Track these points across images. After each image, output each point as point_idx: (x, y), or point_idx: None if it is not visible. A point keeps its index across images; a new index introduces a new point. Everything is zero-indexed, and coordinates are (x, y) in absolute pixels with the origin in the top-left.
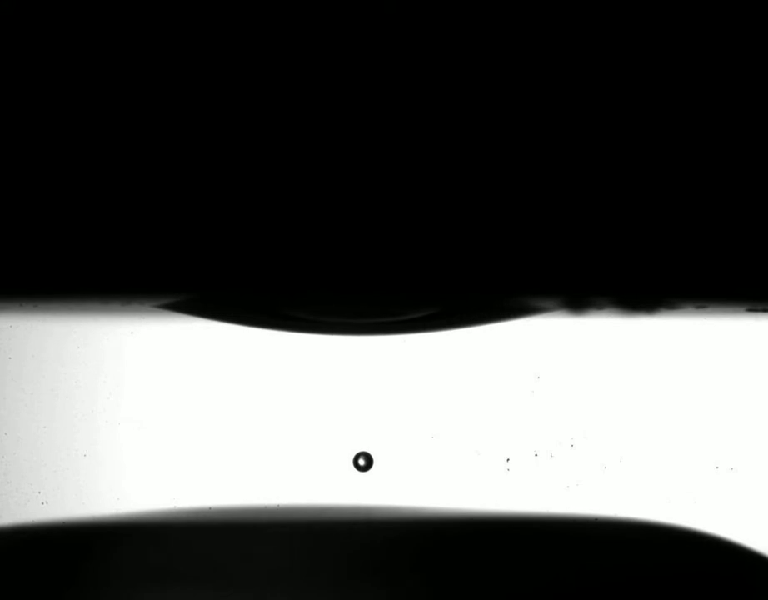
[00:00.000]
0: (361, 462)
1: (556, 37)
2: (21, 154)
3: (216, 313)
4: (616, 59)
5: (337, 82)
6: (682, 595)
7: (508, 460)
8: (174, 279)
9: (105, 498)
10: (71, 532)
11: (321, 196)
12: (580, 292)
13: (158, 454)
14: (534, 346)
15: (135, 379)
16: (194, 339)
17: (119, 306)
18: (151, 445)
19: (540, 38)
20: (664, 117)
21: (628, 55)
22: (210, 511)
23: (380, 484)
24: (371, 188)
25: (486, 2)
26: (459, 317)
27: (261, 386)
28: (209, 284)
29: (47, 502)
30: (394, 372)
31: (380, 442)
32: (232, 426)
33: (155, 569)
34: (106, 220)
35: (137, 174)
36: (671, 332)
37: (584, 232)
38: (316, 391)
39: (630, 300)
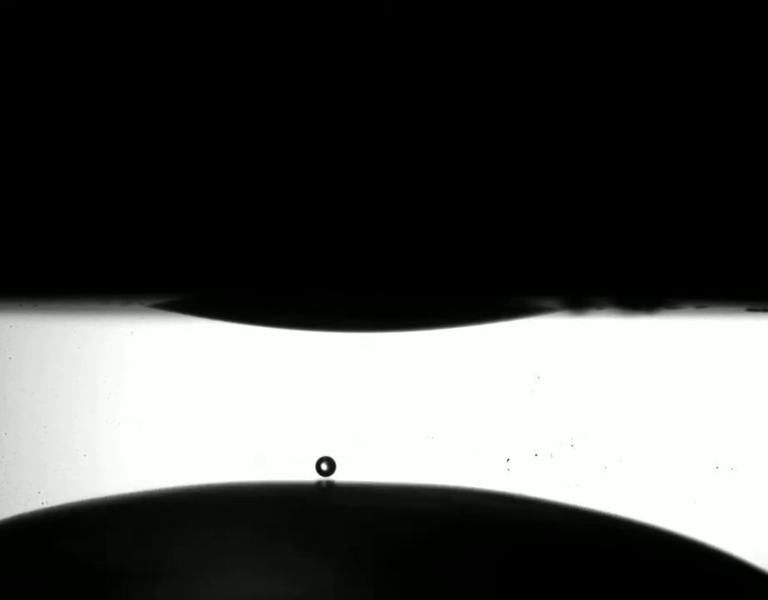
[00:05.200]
0: (324, 466)
1: (556, 37)
2: (21, 154)
3: (215, 313)
4: (616, 60)
5: (336, 83)
6: (680, 595)
7: (508, 460)
8: (174, 279)
9: (105, 498)
10: (71, 532)
11: (321, 196)
12: (581, 292)
13: (158, 454)
14: (534, 346)
15: (135, 379)
16: (194, 339)
17: (119, 306)
18: (150, 445)
19: (540, 39)
20: (664, 119)
21: (628, 55)
22: (210, 506)
23: (380, 483)
24: (373, 189)
25: (487, 2)
26: (460, 316)
27: (261, 385)
28: (209, 284)
29: (46, 502)
30: (394, 371)
31: (380, 441)
32: (232, 425)
33: (155, 567)
34: (105, 220)
35: (136, 175)
36: (671, 332)
37: (584, 232)
38: (316, 390)
39: (630, 300)
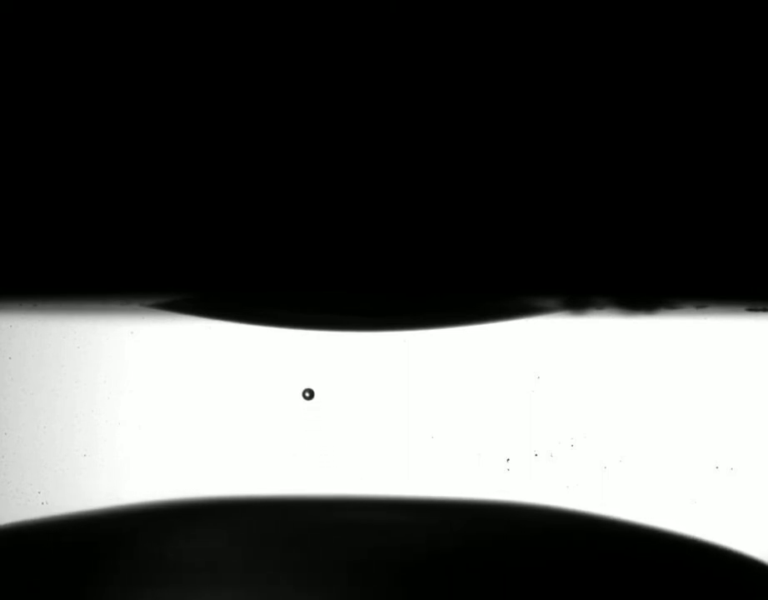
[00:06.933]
0: (307, 394)
1: (556, 37)
2: (21, 154)
3: (215, 313)
4: (616, 59)
5: (336, 83)
6: (680, 595)
7: (508, 460)
8: (174, 279)
9: (104, 498)
10: (71, 533)
11: (321, 197)
12: (580, 292)
13: (157, 454)
14: (534, 346)
15: (135, 379)
16: (194, 339)
17: (119, 305)
18: (150, 445)
19: (540, 38)
20: (663, 118)
21: (628, 55)
22: (210, 507)
23: (380, 483)
24: (372, 189)
25: (487, 2)
26: (459, 315)
27: (261, 385)
28: (209, 284)
29: (47, 502)
30: (394, 371)
31: (379, 442)
32: (231, 425)
33: (155, 567)
34: (105, 220)
35: (136, 175)
36: (671, 332)
37: (584, 232)
38: (316, 390)
39: (630, 300)
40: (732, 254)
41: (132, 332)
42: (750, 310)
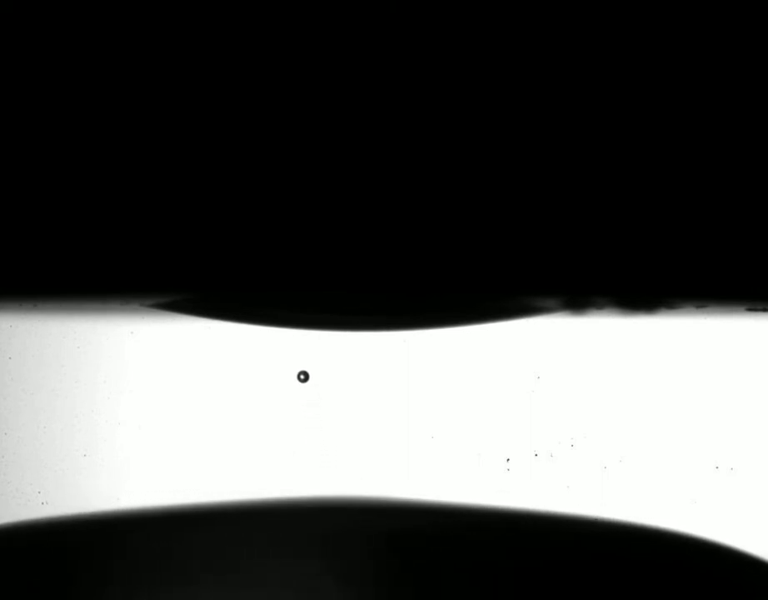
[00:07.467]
0: (302, 376)
1: (556, 37)
2: (21, 154)
3: (215, 313)
4: (616, 59)
5: (336, 83)
6: (680, 596)
7: (508, 460)
8: (174, 279)
9: (104, 498)
10: (71, 532)
11: (321, 197)
12: (581, 292)
13: (157, 454)
14: (534, 346)
15: (135, 379)
16: (194, 339)
17: (118, 305)
18: (150, 445)
19: (540, 38)
20: (663, 118)
21: (628, 55)
22: (209, 508)
23: (380, 483)
24: (372, 189)
25: (487, 2)
26: (459, 315)
27: (262, 385)
28: (209, 284)
29: (47, 502)
30: (393, 371)
31: (379, 442)
32: (231, 425)
33: (154, 568)
34: (105, 220)
35: (136, 175)
36: (671, 332)
37: (583, 232)
38: (316, 390)
39: (630, 300)
40: (732, 254)
41: (132, 332)
42: (750, 310)
